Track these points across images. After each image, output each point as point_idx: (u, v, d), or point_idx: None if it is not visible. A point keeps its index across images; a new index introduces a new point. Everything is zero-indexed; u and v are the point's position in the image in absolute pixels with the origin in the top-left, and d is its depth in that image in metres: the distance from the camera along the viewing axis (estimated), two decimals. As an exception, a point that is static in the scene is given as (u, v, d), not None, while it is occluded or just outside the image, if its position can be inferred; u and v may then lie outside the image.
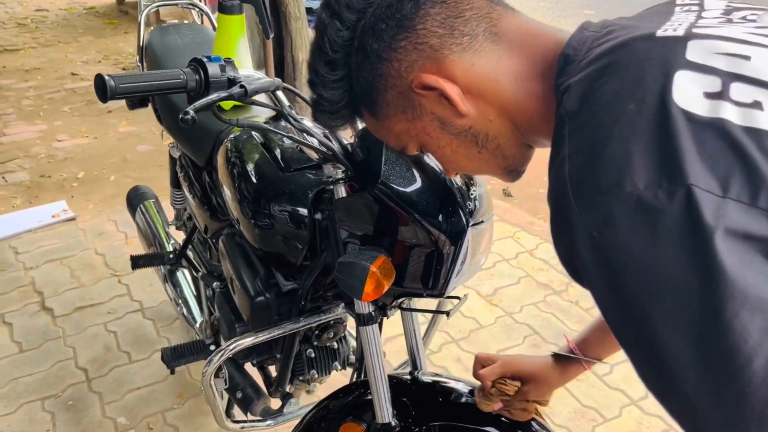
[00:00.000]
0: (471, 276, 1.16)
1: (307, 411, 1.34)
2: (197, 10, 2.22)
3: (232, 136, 1.54)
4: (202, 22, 2.39)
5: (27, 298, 2.63)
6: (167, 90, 1.03)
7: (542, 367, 1.11)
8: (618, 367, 2.28)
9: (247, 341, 1.36)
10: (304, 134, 1.15)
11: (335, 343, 1.57)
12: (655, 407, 2.11)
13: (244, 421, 1.54)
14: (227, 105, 1.67)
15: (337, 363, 1.58)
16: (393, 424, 1.20)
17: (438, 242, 1.07)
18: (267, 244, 1.38)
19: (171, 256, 2.06)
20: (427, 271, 1.10)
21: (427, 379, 1.31)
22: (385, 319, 1.30)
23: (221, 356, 1.37)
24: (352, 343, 1.62)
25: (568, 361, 1.10)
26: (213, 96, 0.98)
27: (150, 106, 2.05)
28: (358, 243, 1.14)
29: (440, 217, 1.06)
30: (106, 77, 0.96)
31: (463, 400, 1.22)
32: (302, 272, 1.37)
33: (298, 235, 1.30)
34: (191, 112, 0.92)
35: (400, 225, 1.07)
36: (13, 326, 2.47)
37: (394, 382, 1.28)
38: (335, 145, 1.14)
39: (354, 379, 1.56)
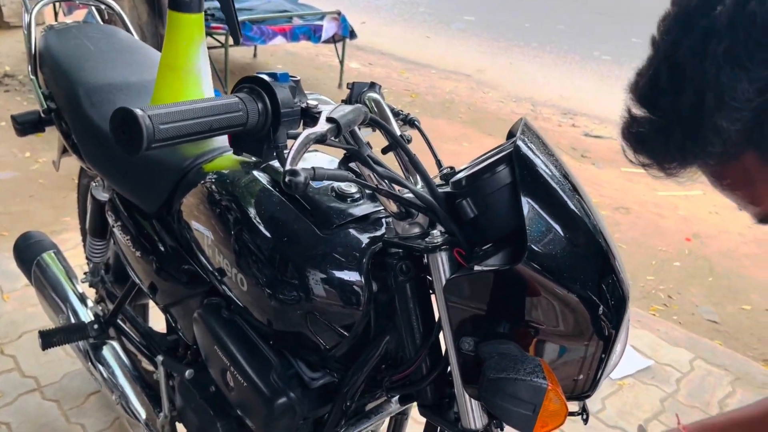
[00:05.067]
0: (611, 371, 0.87)
1: None
2: (106, 7, 1.73)
3: (214, 175, 1.14)
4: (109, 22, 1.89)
5: None
6: (223, 129, 0.64)
7: None
8: (609, 402, 2.11)
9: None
10: (386, 182, 0.80)
11: None
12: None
13: None
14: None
15: None
16: None
17: (597, 326, 0.78)
18: (289, 324, 1.02)
19: (95, 326, 1.57)
20: (575, 367, 0.81)
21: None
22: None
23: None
24: None
25: None
26: (301, 138, 0.61)
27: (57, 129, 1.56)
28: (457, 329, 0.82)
29: (600, 292, 0.77)
30: (139, 113, 0.56)
31: None
32: (336, 361, 1.02)
33: (345, 315, 0.96)
34: (302, 173, 0.54)
35: (545, 305, 0.77)
36: None
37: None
38: (429, 196, 0.81)
39: None
